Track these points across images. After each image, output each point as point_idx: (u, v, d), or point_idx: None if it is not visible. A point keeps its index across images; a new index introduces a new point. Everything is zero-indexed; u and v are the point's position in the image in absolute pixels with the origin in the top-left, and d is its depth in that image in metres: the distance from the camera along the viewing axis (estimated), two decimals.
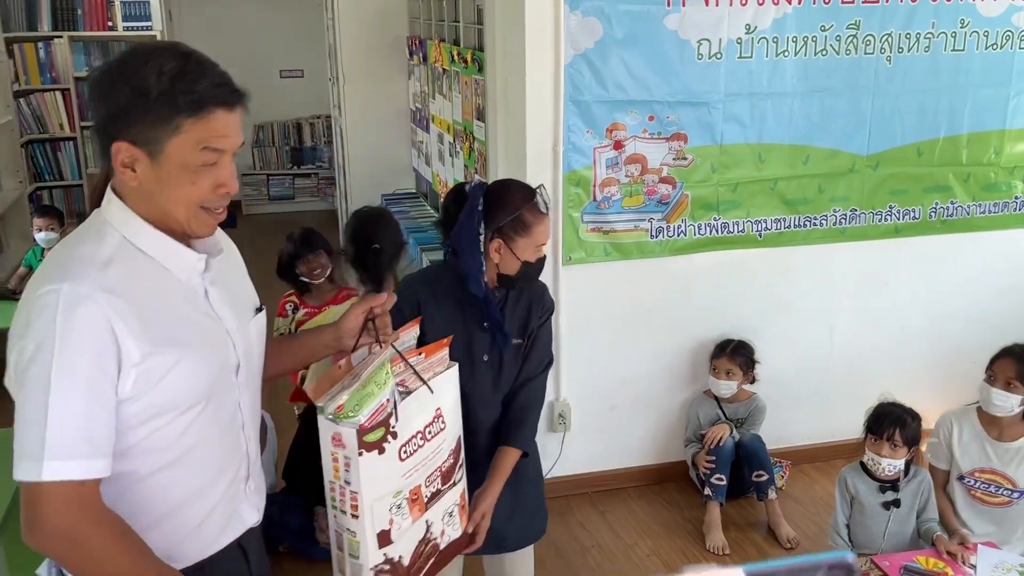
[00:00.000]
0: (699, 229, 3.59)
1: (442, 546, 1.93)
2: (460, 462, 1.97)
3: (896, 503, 2.84)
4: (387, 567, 1.76)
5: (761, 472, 3.51)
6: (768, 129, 3.55)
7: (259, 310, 1.66)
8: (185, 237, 1.49)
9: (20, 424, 1.34)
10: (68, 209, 6.75)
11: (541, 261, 2.19)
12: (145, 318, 1.39)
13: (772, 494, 3.51)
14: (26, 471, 1.32)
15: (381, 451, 1.67)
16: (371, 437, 1.63)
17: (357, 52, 5.85)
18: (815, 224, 3.71)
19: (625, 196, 3.46)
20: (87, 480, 1.34)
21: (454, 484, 1.94)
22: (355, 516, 1.69)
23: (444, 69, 4.75)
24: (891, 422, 2.80)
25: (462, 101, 4.42)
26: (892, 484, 2.85)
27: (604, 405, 3.73)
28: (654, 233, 3.54)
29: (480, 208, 2.10)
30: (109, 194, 1.47)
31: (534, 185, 2.18)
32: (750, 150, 3.55)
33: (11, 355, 1.37)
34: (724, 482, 3.48)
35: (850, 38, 3.51)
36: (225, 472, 1.58)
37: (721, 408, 3.69)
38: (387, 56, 5.86)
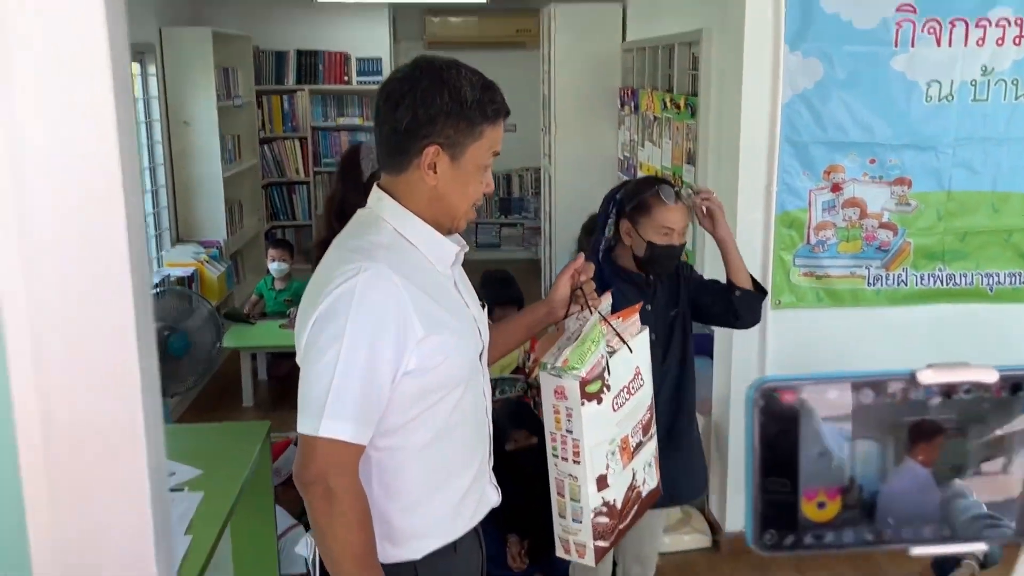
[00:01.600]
0: (921, 279, 3.40)
1: (644, 494, 2.06)
2: (653, 417, 2.11)
3: None
4: (604, 509, 1.88)
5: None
6: (1003, 176, 3.33)
7: (483, 306, 1.79)
8: (445, 232, 1.64)
9: (307, 382, 1.50)
10: (297, 246, 7.34)
11: (672, 248, 2.37)
12: (423, 300, 1.53)
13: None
14: (306, 425, 1.48)
15: (599, 401, 1.81)
16: (591, 388, 1.77)
17: (569, 103, 6.04)
18: None
19: (841, 241, 3.34)
20: (352, 444, 1.48)
21: (652, 436, 2.08)
22: (576, 462, 1.82)
23: (655, 116, 4.81)
24: None
25: (672, 147, 4.45)
26: None
27: None
28: (871, 281, 3.38)
29: (617, 197, 2.44)
30: (379, 192, 1.62)
31: None
32: (982, 198, 3.34)
33: (305, 324, 1.52)
34: None
35: None
36: (478, 450, 1.71)
37: None
38: (598, 107, 6.01)
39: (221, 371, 5.63)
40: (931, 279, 3.40)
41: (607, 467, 1.87)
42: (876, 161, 3.28)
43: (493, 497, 1.78)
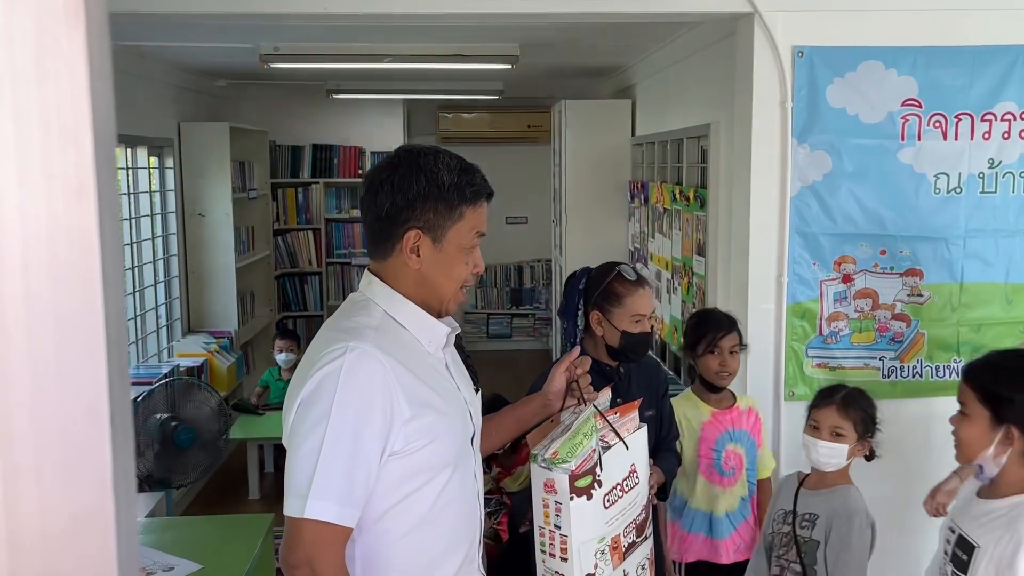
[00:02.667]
0: (937, 371, 3.35)
1: None
2: (649, 518, 2.06)
3: None
4: None
5: None
6: (1016, 268, 3.31)
7: (477, 390, 1.80)
8: (436, 315, 1.65)
9: (293, 464, 1.49)
10: (308, 336, 7.34)
11: (645, 335, 2.38)
12: (411, 380, 1.53)
13: None
14: (292, 507, 1.47)
15: (589, 496, 1.77)
16: (581, 483, 1.74)
17: (580, 195, 6.11)
18: None
19: (854, 332, 3.31)
20: (338, 525, 1.46)
21: (646, 538, 2.03)
22: (564, 559, 1.79)
23: (665, 208, 4.84)
24: None
25: (682, 238, 4.47)
26: None
27: None
28: (886, 373, 3.33)
29: (581, 287, 2.43)
30: (369, 276, 1.65)
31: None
32: (996, 289, 3.32)
33: (292, 405, 1.53)
34: None
35: None
36: (465, 537, 1.67)
37: (796, 499, 2.58)
38: (609, 199, 6.07)
39: (228, 463, 5.57)
40: (947, 371, 3.35)
41: (595, 566, 1.82)
42: (887, 252, 3.28)
43: None
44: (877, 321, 3.31)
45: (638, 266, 2.48)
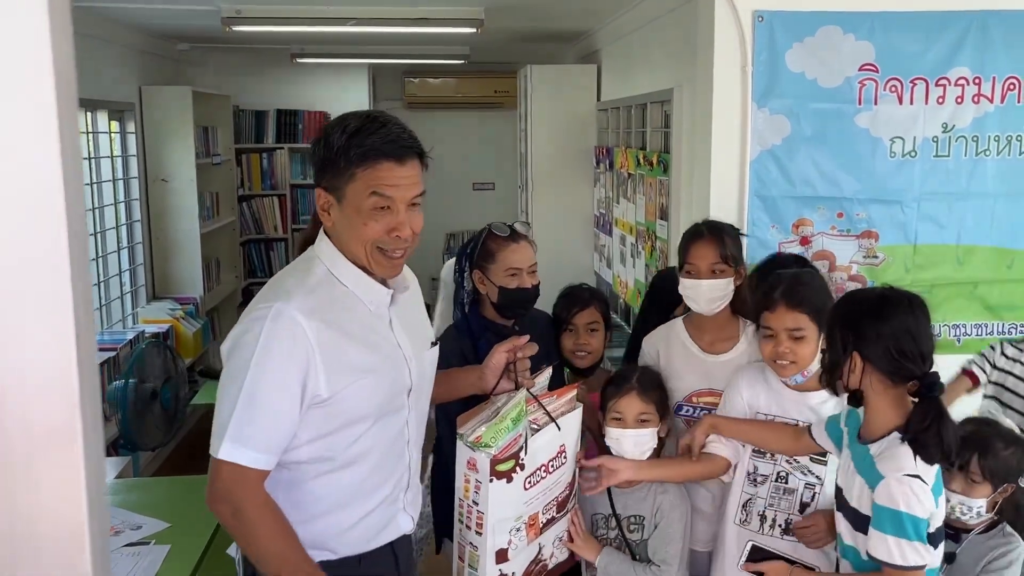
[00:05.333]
0: None
1: (550, 566, 2.08)
2: (574, 492, 2.11)
3: (950, 558, 2.11)
4: None
5: None
6: (967, 230, 3.40)
7: (434, 344, 1.88)
8: (379, 278, 1.73)
9: (217, 407, 1.60)
10: None
11: (524, 290, 2.34)
12: (336, 339, 1.63)
13: None
14: (213, 447, 1.59)
15: (509, 480, 1.83)
16: (502, 467, 1.80)
17: (546, 161, 6.13)
18: (1023, 332, 3.47)
19: None
20: (252, 468, 1.57)
21: (567, 512, 2.09)
22: (479, 533, 1.87)
23: (629, 173, 4.89)
24: (971, 445, 2.08)
25: (646, 203, 4.52)
26: (955, 533, 2.12)
27: None
28: None
29: (468, 251, 2.43)
30: (321, 234, 1.74)
31: None
32: (948, 251, 3.41)
33: (223, 352, 1.65)
34: None
35: None
36: (387, 481, 1.77)
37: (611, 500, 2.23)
38: (574, 165, 6.10)
39: (196, 428, 5.58)
40: None
41: (509, 542, 1.89)
42: (844, 215, 3.35)
43: (405, 525, 1.85)
44: (834, 282, 3.39)
45: (519, 223, 2.46)
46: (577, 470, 2.10)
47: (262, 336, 1.56)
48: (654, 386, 2.27)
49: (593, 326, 2.63)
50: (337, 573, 1.72)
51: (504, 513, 1.86)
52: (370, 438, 1.70)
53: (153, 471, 5.04)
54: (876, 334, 1.80)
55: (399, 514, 1.82)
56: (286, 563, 1.62)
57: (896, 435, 1.79)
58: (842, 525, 1.93)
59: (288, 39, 6.19)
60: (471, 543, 1.90)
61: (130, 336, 4.84)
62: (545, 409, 1.95)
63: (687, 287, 2.35)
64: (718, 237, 2.37)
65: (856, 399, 1.87)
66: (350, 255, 1.70)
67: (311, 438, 1.64)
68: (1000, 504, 2.12)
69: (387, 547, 1.80)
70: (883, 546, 1.74)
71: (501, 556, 1.88)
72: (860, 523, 1.85)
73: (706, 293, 2.32)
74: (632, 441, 2.17)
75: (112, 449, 4.31)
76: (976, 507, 2.10)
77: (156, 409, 4.46)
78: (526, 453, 1.85)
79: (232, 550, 1.88)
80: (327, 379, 1.60)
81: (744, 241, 3.31)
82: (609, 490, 2.15)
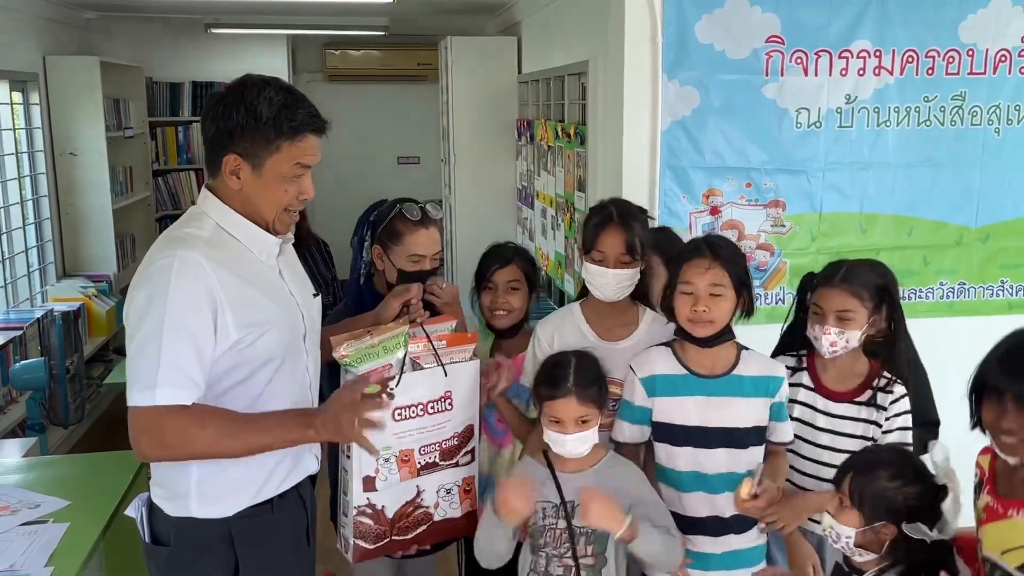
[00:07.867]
0: None
1: (436, 518, 2.10)
2: (469, 449, 2.12)
3: None
4: (369, 511, 1.97)
5: None
6: (870, 199, 3.51)
7: (315, 295, 1.97)
8: (267, 231, 1.81)
9: (134, 361, 1.63)
10: None
11: (423, 274, 2.28)
12: (237, 286, 1.70)
13: None
14: (140, 398, 1.61)
15: (377, 406, 1.86)
16: (368, 390, 1.82)
17: (468, 134, 6.10)
18: (921, 297, 3.60)
19: None
20: (184, 405, 1.64)
21: (457, 465, 2.10)
22: (347, 456, 1.94)
23: (549, 146, 4.90)
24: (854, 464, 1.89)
25: (564, 175, 4.54)
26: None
27: None
28: None
29: (371, 219, 2.37)
30: (205, 192, 1.80)
31: None
32: (851, 219, 3.51)
33: (127, 310, 1.68)
34: None
35: (955, 109, 3.47)
36: None
37: (554, 474, 2.09)
38: (497, 138, 6.09)
39: (111, 407, 5.45)
40: None
41: (376, 471, 1.95)
42: (752, 185, 3.42)
43: (311, 465, 1.95)
44: (743, 251, 3.46)
45: (431, 205, 2.36)
46: (478, 421, 2.15)
47: (172, 280, 1.62)
48: (591, 381, 2.06)
49: (514, 284, 2.50)
50: (252, 521, 1.80)
51: (372, 439, 1.86)
52: (279, 379, 1.79)
53: (68, 448, 4.90)
54: None
55: (306, 454, 1.92)
56: (280, 426, 1.72)
57: None
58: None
59: (202, 8, 6.02)
60: (344, 468, 1.97)
61: (38, 315, 4.70)
62: (435, 349, 2.01)
63: (593, 274, 2.25)
64: (628, 225, 2.24)
65: None
66: (254, 215, 1.78)
67: (227, 380, 1.72)
68: (889, 546, 1.78)
69: (294, 491, 1.90)
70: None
71: (368, 483, 1.94)
72: None
73: (614, 282, 2.23)
74: (574, 444, 2.02)
75: (20, 430, 4.19)
76: (844, 535, 1.79)
77: (64, 387, 4.35)
78: (397, 384, 1.90)
79: (131, 510, 1.86)
80: (235, 322, 1.68)
81: (656, 213, 3.38)
82: (555, 476, 2.03)
